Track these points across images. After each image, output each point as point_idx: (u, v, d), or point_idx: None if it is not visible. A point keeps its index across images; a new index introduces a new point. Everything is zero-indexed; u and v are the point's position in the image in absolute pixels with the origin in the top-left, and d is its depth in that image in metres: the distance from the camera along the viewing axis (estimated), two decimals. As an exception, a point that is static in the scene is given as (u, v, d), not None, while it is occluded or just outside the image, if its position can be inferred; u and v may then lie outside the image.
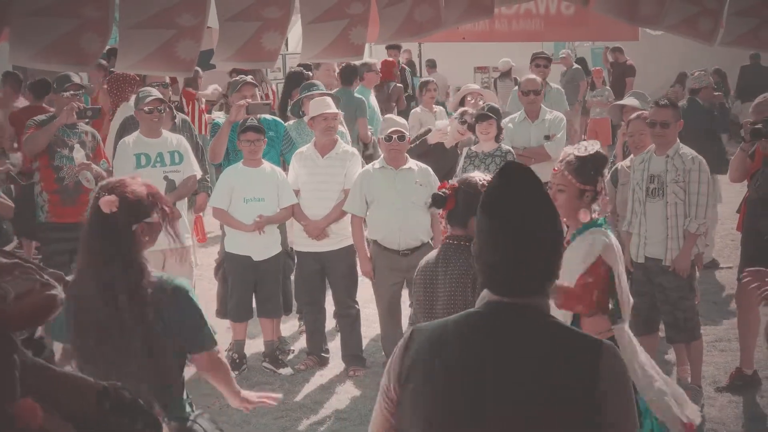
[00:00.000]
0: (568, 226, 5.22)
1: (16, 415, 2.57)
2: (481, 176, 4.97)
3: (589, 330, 4.75)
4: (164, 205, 4.19)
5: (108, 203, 4.05)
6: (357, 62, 11.03)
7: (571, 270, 4.95)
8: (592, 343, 2.75)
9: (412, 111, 12.98)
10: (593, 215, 5.22)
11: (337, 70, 11.44)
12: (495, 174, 2.89)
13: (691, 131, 8.39)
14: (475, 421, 2.69)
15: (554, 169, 5.25)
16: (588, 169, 5.20)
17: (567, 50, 20.17)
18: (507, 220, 2.76)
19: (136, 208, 4.09)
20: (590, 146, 5.29)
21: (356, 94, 11.36)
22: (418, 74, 19.04)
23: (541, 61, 11.86)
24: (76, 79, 9.09)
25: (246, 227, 8.02)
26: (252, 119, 8.29)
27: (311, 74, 11.13)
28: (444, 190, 4.92)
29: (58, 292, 2.76)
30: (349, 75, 11.51)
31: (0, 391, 2.59)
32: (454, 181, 5.03)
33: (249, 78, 9.38)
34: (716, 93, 12.69)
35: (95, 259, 4.08)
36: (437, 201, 4.94)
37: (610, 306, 5.18)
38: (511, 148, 8.68)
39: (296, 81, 10.93)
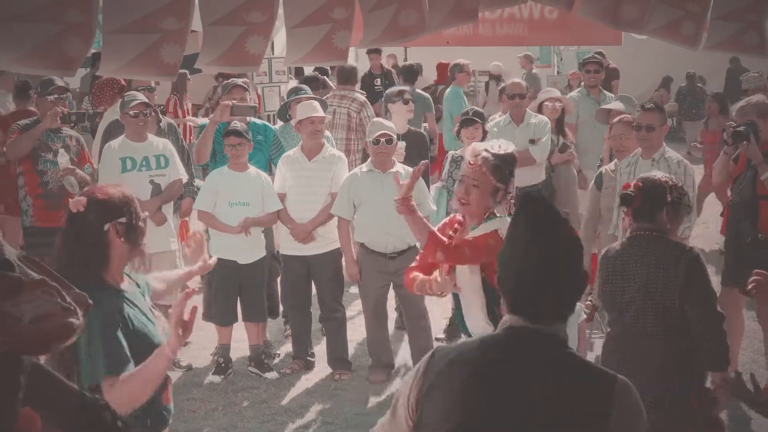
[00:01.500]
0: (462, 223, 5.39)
1: (15, 429, 2.56)
2: (662, 174, 5.32)
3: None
4: (134, 207, 4.12)
5: (75, 203, 4.04)
6: (455, 62, 12.91)
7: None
8: (607, 376, 2.78)
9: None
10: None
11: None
12: (520, 204, 2.92)
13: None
14: None
15: (470, 163, 5.23)
16: (505, 168, 5.26)
17: (529, 52, 20.25)
18: (538, 246, 2.79)
19: (105, 206, 4.04)
20: (505, 145, 5.37)
21: (450, 92, 13.01)
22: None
23: (591, 66, 10.85)
24: (60, 83, 9.06)
25: (232, 229, 8.02)
26: (236, 123, 8.28)
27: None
28: (630, 190, 5.20)
29: (77, 319, 2.68)
30: (412, 74, 12.96)
31: (2, 411, 2.57)
32: (637, 181, 5.28)
33: (240, 81, 9.38)
34: None
35: (70, 260, 4.02)
36: (626, 200, 5.21)
37: None
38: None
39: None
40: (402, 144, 8.60)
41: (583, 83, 10.75)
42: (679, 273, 4.99)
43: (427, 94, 13.09)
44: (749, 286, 4.97)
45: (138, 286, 4.26)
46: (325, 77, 11.77)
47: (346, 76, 11.01)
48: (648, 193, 5.15)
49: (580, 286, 2.85)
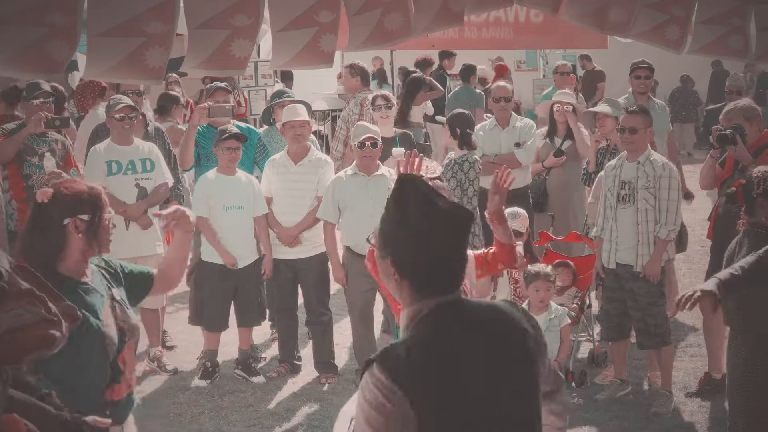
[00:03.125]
0: None
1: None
2: (762, 169, 5.66)
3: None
4: (101, 209, 4.12)
5: (42, 193, 4.06)
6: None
7: None
8: (516, 309, 3.10)
9: None
10: None
11: None
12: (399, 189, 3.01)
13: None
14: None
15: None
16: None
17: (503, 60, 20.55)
18: (440, 224, 2.93)
19: (68, 201, 4.05)
20: (432, 166, 5.47)
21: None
22: (389, 82, 19.06)
23: (642, 72, 9.85)
24: (46, 87, 9.03)
25: (220, 249, 7.97)
26: (229, 126, 8.27)
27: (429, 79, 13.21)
28: (733, 188, 5.78)
29: (59, 331, 2.68)
30: (468, 73, 15.03)
31: None
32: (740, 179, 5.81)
33: (223, 84, 9.37)
34: None
35: (28, 251, 4.04)
36: (730, 198, 5.84)
37: None
38: (477, 157, 8.70)
39: (418, 85, 12.79)
40: (400, 150, 8.50)
41: (630, 90, 9.80)
42: None
43: (480, 92, 14.82)
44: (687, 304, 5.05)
45: (110, 272, 4.28)
46: (431, 78, 12.28)
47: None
48: (745, 189, 5.66)
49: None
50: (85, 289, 4.08)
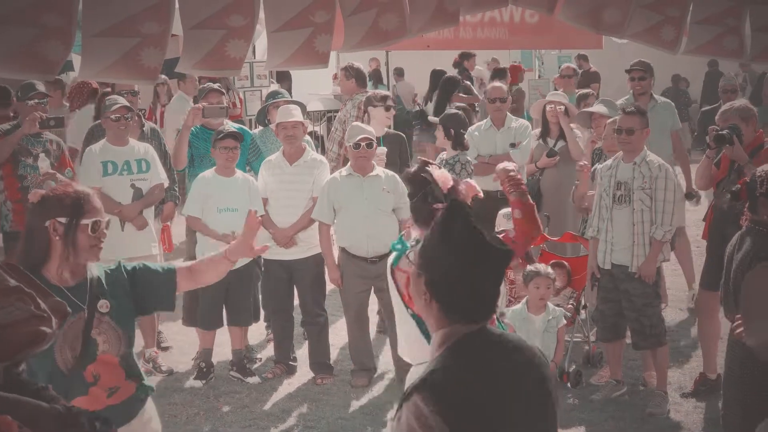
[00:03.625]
0: None
1: None
2: (766, 168, 5.60)
3: None
4: (84, 212, 4.07)
5: (33, 195, 4.09)
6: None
7: None
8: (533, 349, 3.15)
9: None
10: None
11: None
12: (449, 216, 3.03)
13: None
14: None
15: None
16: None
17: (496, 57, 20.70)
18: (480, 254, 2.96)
19: (49, 203, 4.04)
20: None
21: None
22: (384, 82, 19.05)
23: (636, 74, 9.68)
24: (41, 87, 9.02)
25: (220, 238, 7.90)
26: (225, 126, 8.27)
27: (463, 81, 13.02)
28: (738, 186, 5.83)
29: (49, 327, 2.65)
30: (501, 74, 15.69)
31: None
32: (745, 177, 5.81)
33: (216, 85, 9.37)
34: None
35: (19, 252, 4.07)
36: (735, 195, 5.83)
37: None
38: (469, 158, 8.70)
39: (454, 84, 13.47)
40: (383, 149, 8.59)
41: (631, 91, 9.68)
42: None
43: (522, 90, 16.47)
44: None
45: (113, 279, 4.24)
46: (468, 82, 12.38)
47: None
48: (749, 186, 5.64)
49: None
50: (74, 295, 4.06)
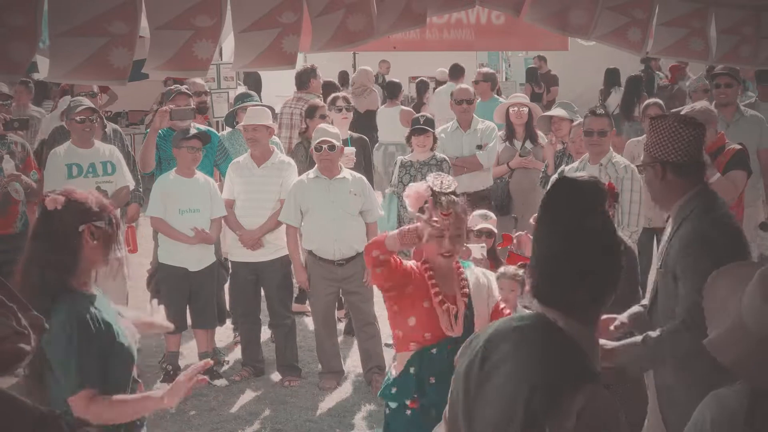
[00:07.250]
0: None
1: None
2: None
3: None
4: (112, 215, 4.02)
5: (53, 200, 3.89)
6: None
7: None
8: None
9: None
10: None
11: None
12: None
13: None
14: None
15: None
16: None
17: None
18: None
19: (82, 208, 3.92)
20: (447, 182, 5.07)
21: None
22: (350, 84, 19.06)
23: (722, 80, 8.64)
24: (5, 89, 8.94)
25: (186, 238, 7.92)
26: (192, 127, 8.24)
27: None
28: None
29: (28, 344, 2.56)
30: (457, 73, 15.21)
31: None
32: None
33: (183, 87, 9.33)
34: None
35: (39, 262, 3.89)
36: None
37: None
38: (445, 156, 8.71)
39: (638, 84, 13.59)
40: (351, 149, 8.59)
41: (714, 102, 8.56)
42: None
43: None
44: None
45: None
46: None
47: (302, 81, 10.99)
48: None
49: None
50: (99, 304, 3.98)
